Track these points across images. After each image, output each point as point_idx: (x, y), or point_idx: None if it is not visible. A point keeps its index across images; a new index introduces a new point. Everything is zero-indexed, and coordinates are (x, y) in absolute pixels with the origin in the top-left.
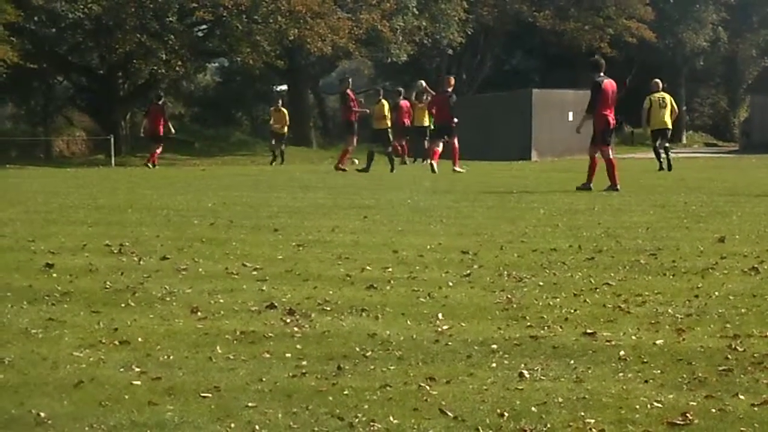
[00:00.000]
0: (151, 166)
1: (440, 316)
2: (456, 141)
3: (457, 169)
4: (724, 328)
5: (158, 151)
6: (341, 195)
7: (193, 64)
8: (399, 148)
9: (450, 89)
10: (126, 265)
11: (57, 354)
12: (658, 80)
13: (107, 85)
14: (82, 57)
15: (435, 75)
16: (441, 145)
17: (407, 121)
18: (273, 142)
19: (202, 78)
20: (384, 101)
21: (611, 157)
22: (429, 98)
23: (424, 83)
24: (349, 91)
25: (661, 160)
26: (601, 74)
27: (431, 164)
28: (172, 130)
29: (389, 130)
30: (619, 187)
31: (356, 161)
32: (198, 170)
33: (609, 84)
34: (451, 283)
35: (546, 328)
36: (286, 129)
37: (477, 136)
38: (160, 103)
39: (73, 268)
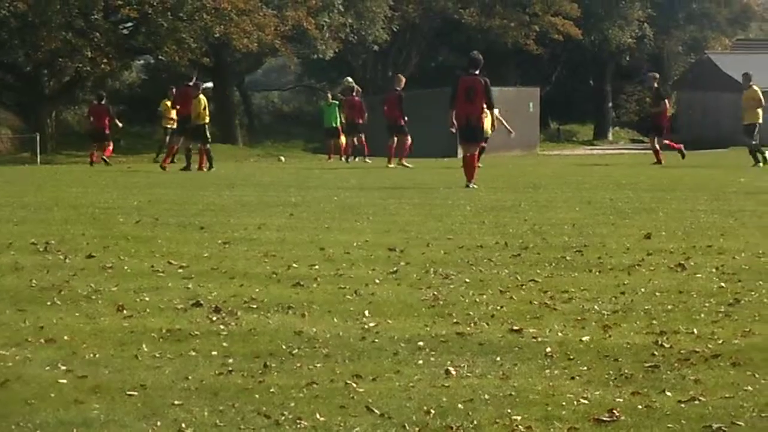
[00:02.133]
0: (106, 161)
1: (367, 313)
2: (408, 138)
3: (405, 164)
4: (650, 325)
5: (110, 148)
6: (267, 192)
7: (119, 61)
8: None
9: (400, 88)
10: (52, 263)
11: None
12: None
13: (33, 83)
14: (8, 55)
15: (361, 72)
16: (394, 140)
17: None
18: (169, 137)
19: (127, 75)
20: (202, 96)
21: (467, 154)
22: (355, 94)
23: (351, 79)
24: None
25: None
26: (475, 71)
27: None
28: (120, 125)
29: (206, 126)
30: (473, 184)
31: (282, 158)
32: (124, 168)
33: (465, 80)
34: (377, 281)
35: (472, 324)
36: (172, 123)
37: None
38: (103, 102)
39: None
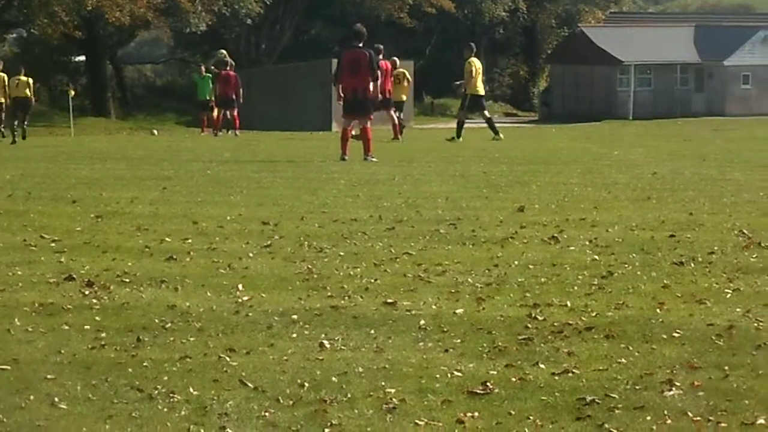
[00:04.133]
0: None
1: (240, 287)
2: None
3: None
4: (524, 297)
5: None
6: (140, 166)
7: None
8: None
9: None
10: None
11: None
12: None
13: None
14: None
15: (234, 45)
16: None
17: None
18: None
19: (0, 49)
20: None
21: (347, 127)
22: (230, 67)
23: (225, 52)
24: None
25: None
26: (359, 44)
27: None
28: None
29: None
30: (346, 157)
31: (155, 132)
32: None
33: (349, 53)
34: (251, 254)
35: (346, 298)
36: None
37: (277, 106)
38: None
39: None
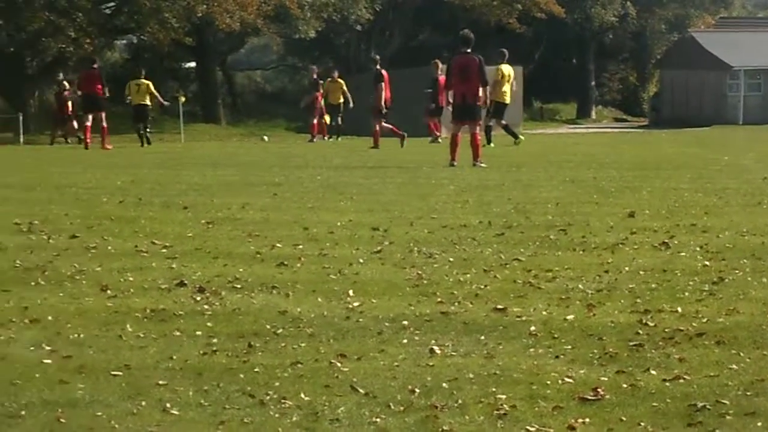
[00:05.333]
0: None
1: (351, 292)
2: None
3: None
4: (634, 303)
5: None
6: (251, 172)
7: (102, 41)
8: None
9: (438, 71)
10: (35, 243)
11: None
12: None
13: (15, 64)
14: None
15: (344, 51)
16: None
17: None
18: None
19: (110, 55)
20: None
21: (456, 133)
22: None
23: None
24: None
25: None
26: (467, 50)
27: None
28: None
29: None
30: (455, 163)
31: (266, 138)
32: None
33: (459, 59)
34: (361, 260)
35: (456, 303)
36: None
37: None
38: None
39: None
